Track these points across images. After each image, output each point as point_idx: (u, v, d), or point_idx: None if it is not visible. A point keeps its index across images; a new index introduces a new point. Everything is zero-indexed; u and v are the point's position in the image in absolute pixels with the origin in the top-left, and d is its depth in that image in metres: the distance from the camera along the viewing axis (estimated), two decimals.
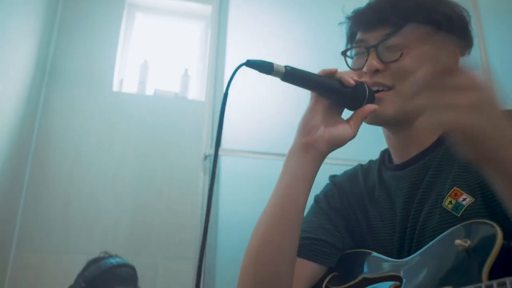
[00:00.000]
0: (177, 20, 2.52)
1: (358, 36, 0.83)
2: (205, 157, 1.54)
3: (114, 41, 2.28)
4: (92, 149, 2.08)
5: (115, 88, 2.22)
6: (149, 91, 2.30)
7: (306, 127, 0.73)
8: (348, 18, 0.87)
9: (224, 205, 1.54)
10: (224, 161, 1.60)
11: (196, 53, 2.49)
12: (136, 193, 2.06)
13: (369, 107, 0.72)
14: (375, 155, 0.91)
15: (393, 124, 0.80)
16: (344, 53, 0.85)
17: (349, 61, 0.85)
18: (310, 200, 0.82)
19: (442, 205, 0.68)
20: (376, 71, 0.76)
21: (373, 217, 0.80)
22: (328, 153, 0.73)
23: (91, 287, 1.38)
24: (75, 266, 1.52)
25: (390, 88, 0.76)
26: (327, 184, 0.91)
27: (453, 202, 0.68)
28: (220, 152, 1.60)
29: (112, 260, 1.44)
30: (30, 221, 1.91)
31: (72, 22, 2.25)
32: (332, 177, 0.92)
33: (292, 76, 0.68)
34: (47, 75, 2.12)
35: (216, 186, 1.55)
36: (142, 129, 2.15)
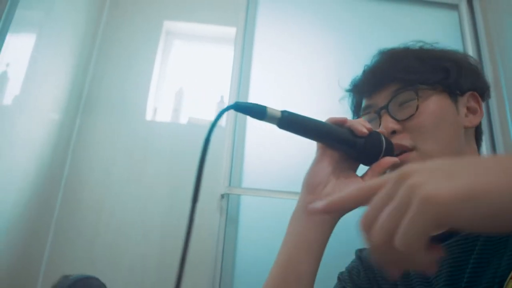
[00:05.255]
0: (215, 46, 2.44)
1: (365, 103, 0.76)
2: (222, 196, 1.40)
3: (150, 69, 2.23)
4: (122, 180, 2.00)
5: (149, 117, 2.16)
6: (183, 120, 2.21)
7: (311, 184, 0.63)
8: (349, 90, 0.81)
9: (242, 246, 1.38)
10: (244, 200, 1.45)
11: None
12: (164, 228, 1.94)
13: (388, 160, 0.63)
14: None
15: None
16: None
17: None
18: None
19: None
20: (393, 133, 0.69)
21: None
22: (341, 215, 0.62)
23: None
24: None
25: (411, 149, 0.67)
26: (353, 260, 0.79)
27: None
28: (239, 191, 1.46)
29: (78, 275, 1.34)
30: (56, 256, 1.86)
31: (110, 52, 2.24)
32: (359, 251, 0.79)
33: (290, 122, 0.58)
34: (82, 106, 2.12)
35: (234, 226, 1.39)
36: (174, 160, 2.05)
